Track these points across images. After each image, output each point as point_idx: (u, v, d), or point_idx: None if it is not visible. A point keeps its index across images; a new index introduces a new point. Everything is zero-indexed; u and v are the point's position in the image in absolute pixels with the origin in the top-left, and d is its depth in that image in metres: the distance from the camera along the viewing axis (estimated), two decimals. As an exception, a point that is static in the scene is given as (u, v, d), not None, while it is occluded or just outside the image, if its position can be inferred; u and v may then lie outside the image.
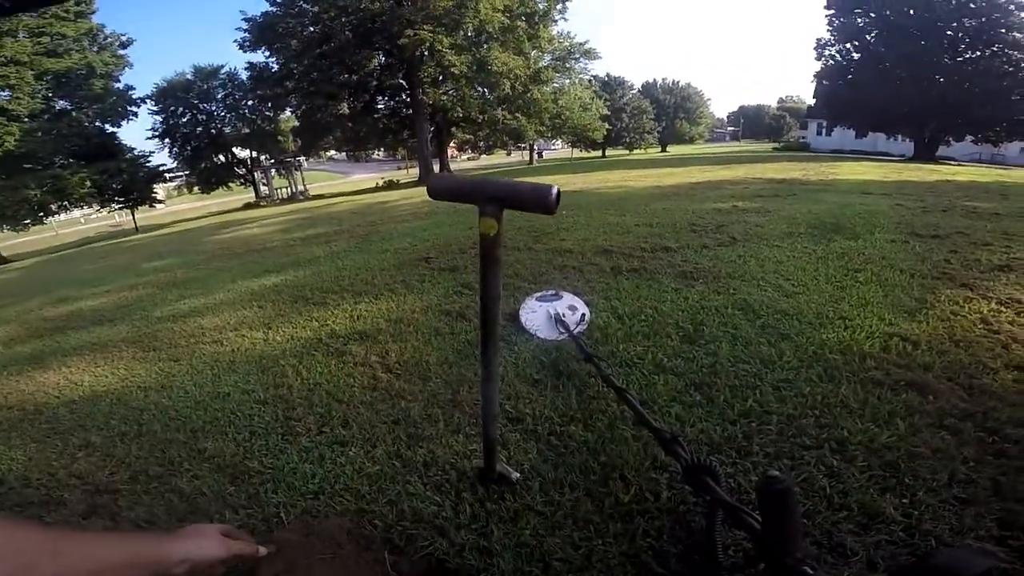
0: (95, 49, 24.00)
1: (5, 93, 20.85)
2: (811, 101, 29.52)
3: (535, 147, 39.31)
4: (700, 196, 5.40)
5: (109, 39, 25.05)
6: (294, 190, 26.54)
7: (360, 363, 1.99)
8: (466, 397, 1.61)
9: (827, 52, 22.60)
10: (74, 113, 23.31)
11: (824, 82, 23.29)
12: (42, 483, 1.51)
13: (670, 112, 49.90)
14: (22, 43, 21.03)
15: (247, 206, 23.43)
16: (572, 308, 2.02)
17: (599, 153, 42.88)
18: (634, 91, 46.53)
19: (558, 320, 1.90)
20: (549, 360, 1.76)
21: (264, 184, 28.50)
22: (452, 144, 29.68)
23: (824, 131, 30.58)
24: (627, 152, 44.24)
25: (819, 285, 2.30)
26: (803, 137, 37.54)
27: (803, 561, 0.67)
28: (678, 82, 51.35)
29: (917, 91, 18.26)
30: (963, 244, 2.84)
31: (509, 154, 49.18)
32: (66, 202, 22.26)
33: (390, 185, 23.05)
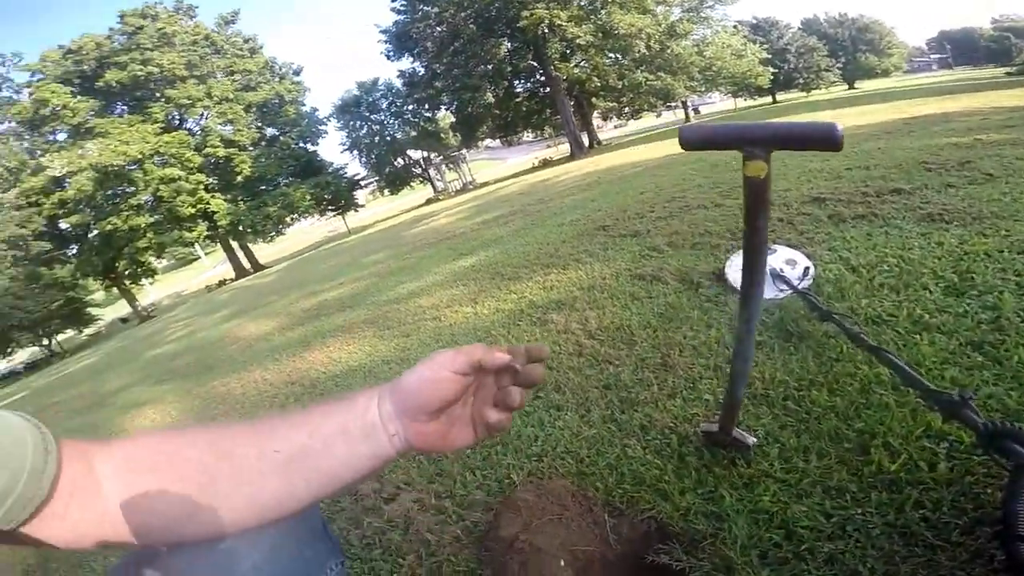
0: (276, 79, 28.62)
1: (228, 127, 26.15)
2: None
3: (688, 104, 36.26)
4: (922, 132, 4.37)
5: (283, 69, 29.70)
6: (464, 181, 28.74)
7: (562, 331, 2.07)
8: (678, 361, 1.56)
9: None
10: (281, 138, 28.22)
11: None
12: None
13: (847, 46, 42.03)
14: (224, 83, 26.04)
15: (428, 201, 26.09)
16: (791, 262, 1.80)
17: (768, 100, 37.89)
18: (792, 30, 40.11)
19: (776, 276, 1.72)
20: (772, 320, 1.61)
21: (438, 179, 31.40)
22: (596, 114, 29.11)
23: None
24: (804, 94, 38.34)
25: None
26: (1045, 56, 27.64)
27: None
28: (846, 13, 42.80)
29: None
30: None
31: (659, 115, 46.39)
32: (295, 214, 27.38)
33: (545, 164, 23.46)
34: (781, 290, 1.67)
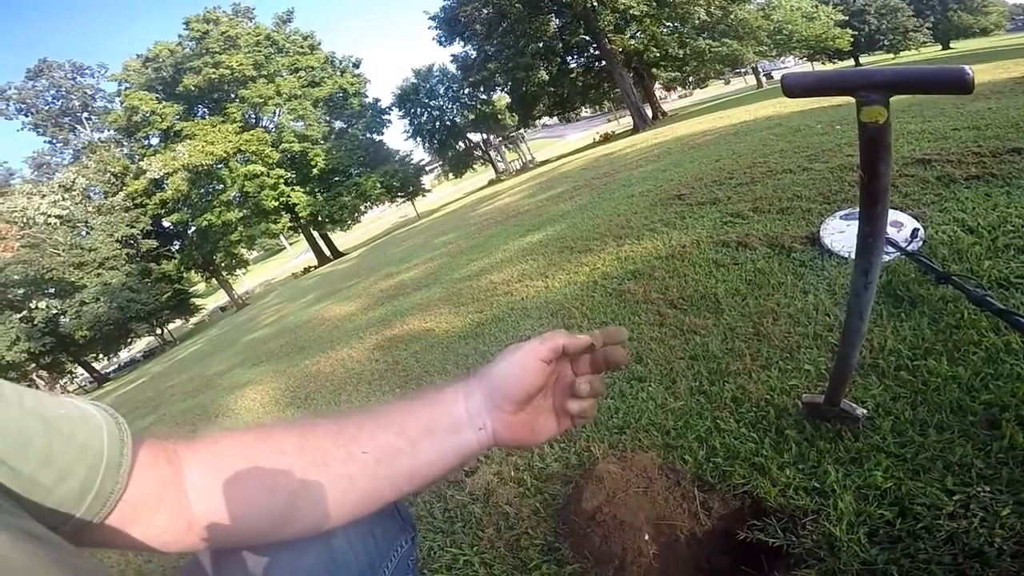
0: (338, 73, 29.38)
1: (300, 123, 27.39)
2: None
3: (760, 69, 33.88)
4: (1037, 91, 3.81)
5: (343, 63, 30.44)
6: (524, 160, 28.64)
7: (641, 300, 2.02)
8: (773, 329, 1.48)
9: None
10: (349, 130, 29.19)
11: None
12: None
13: (934, 6, 37.74)
14: (290, 80, 27.10)
15: (491, 182, 26.29)
16: (896, 224, 1.65)
17: (850, 63, 34.96)
18: (869, -11, 36.50)
19: (880, 238, 1.59)
20: (879, 284, 1.48)
21: (499, 160, 31.47)
22: (658, 84, 27.97)
23: None
24: (891, 56, 35.01)
25: None
26: None
27: None
28: (927, -28, 38.57)
29: None
30: None
31: (727, 83, 43.56)
32: (368, 202, 28.50)
33: (606, 139, 22.83)
34: (887, 252, 1.54)
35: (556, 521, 1.14)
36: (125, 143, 26.82)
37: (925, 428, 0.99)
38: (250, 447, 0.49)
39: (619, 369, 0.56)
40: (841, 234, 1.73)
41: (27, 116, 27.88)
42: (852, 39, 25.74)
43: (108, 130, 27.26)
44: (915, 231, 1.61)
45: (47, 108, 28.11)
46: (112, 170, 25.37)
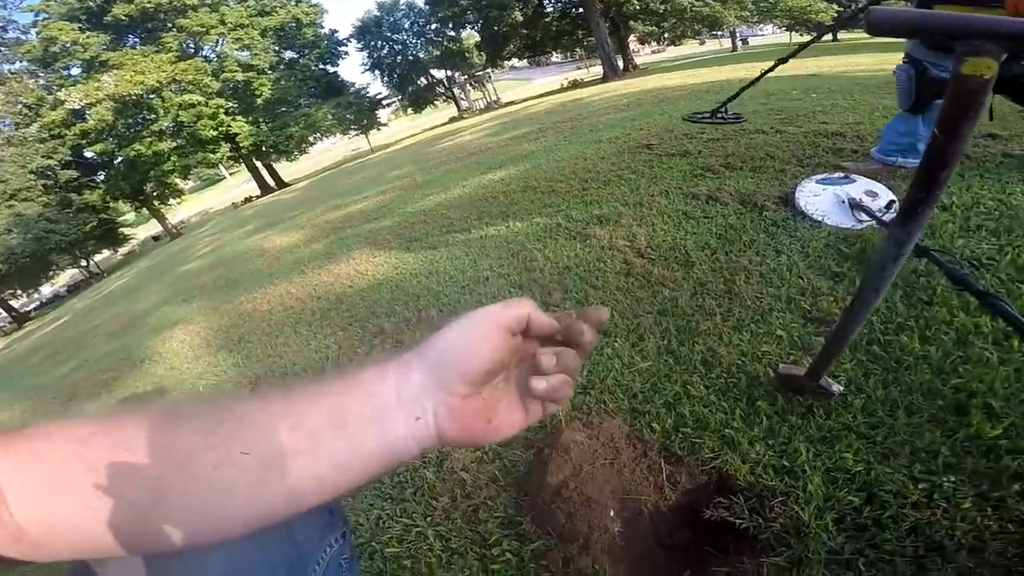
0: (293, 3, 27.44)
1: (245, 53, 25.56)
2: None
3: (737, 33, 33.71)
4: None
5: None
6: (489, 100, 27.65)
7: (607, 247, 1.94)
8: (744, 289, 1.41)
9: None
10: (301, 60, 27.59)
11: None
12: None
13: None
14: (237, 9, 25.18)
15: (452, 120, 25.30)
16: (871, 194, 1.63)
17: (828, 38, 35.47)
18: (855, -38, 36.60)
19: (855, 206, 1.57)
20: (852, 251, 1.44)
21: (462, 98, 30.25)
22: (633, 38, 27.69)
23: None
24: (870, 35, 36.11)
25: None
26: None
27: None
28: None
29: None
30: None
31: (702, 43, 43.47)
32: (317, 134, 27.10)
33: (575, 85, 22.33)
34: (860, 220, 1.54)
35: (517, 491, 1.07)
36: (41, 74, 24.01)
37: (895, 410, 0.96)
38: (85, 443, 0.36)
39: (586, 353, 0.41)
40: (816, 197, 1.68)
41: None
42: (837, 14, 25.96)
43: (21, 61, 24.15)
44: (891, 202, 1.59)
45: (-50, 39, 24.32)
46: (25, 101, 22.81)
